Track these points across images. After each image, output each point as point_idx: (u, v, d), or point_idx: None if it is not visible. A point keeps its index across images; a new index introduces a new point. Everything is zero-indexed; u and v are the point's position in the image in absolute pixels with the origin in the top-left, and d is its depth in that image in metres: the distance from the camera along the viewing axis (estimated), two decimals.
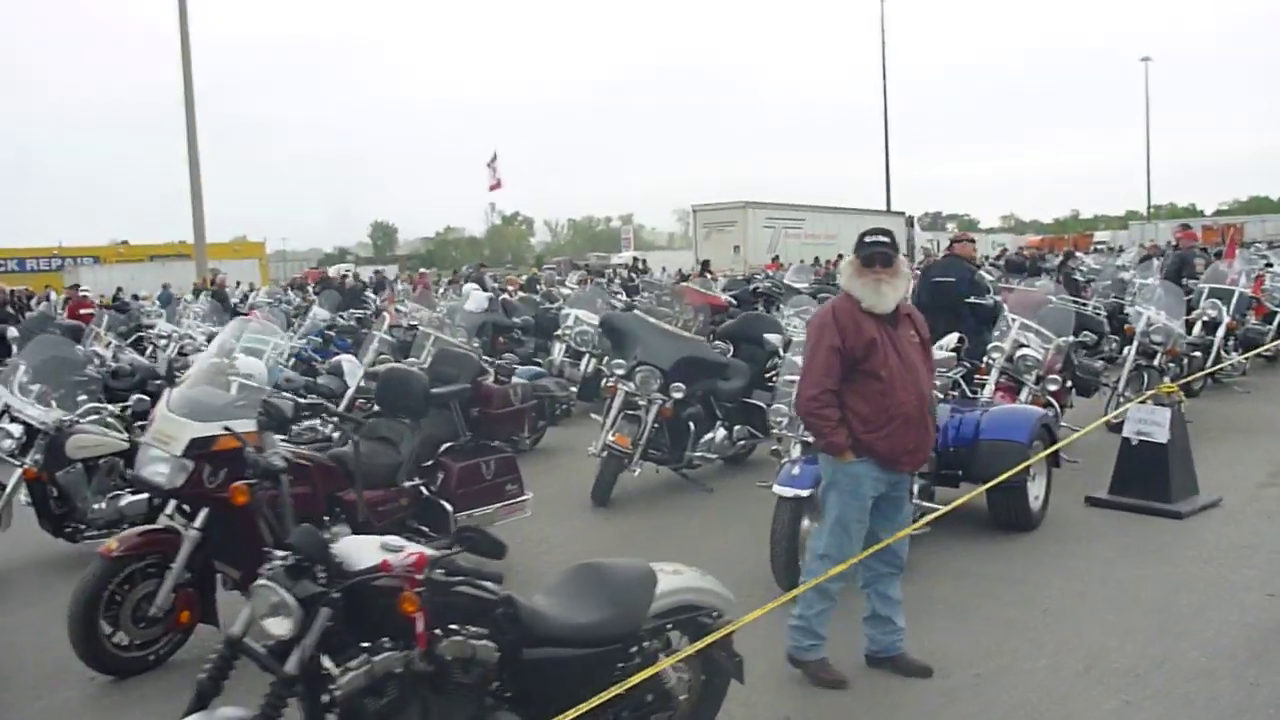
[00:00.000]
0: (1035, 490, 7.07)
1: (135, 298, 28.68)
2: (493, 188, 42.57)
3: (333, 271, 52.03)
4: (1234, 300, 12.29)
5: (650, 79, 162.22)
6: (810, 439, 5.40)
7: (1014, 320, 8.60)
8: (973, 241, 10.37)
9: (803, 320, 10.28)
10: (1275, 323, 14.05)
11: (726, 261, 38.79)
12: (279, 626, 2.88)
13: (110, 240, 55.90)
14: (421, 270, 34.65)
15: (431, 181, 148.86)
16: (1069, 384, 9.41)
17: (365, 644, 2.92)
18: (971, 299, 9.15)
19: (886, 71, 49.01)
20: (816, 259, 33.09)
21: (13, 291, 21.45)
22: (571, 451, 9.93)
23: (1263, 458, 8.98)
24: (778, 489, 5.80)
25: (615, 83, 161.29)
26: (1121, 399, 10.24)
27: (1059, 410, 8.75)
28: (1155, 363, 10.30)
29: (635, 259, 44.45)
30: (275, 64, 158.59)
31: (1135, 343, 10.42)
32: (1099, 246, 52.82)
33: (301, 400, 6.06)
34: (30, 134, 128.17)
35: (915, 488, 6.04)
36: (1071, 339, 8.93)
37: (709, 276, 22.27)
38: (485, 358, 8.20)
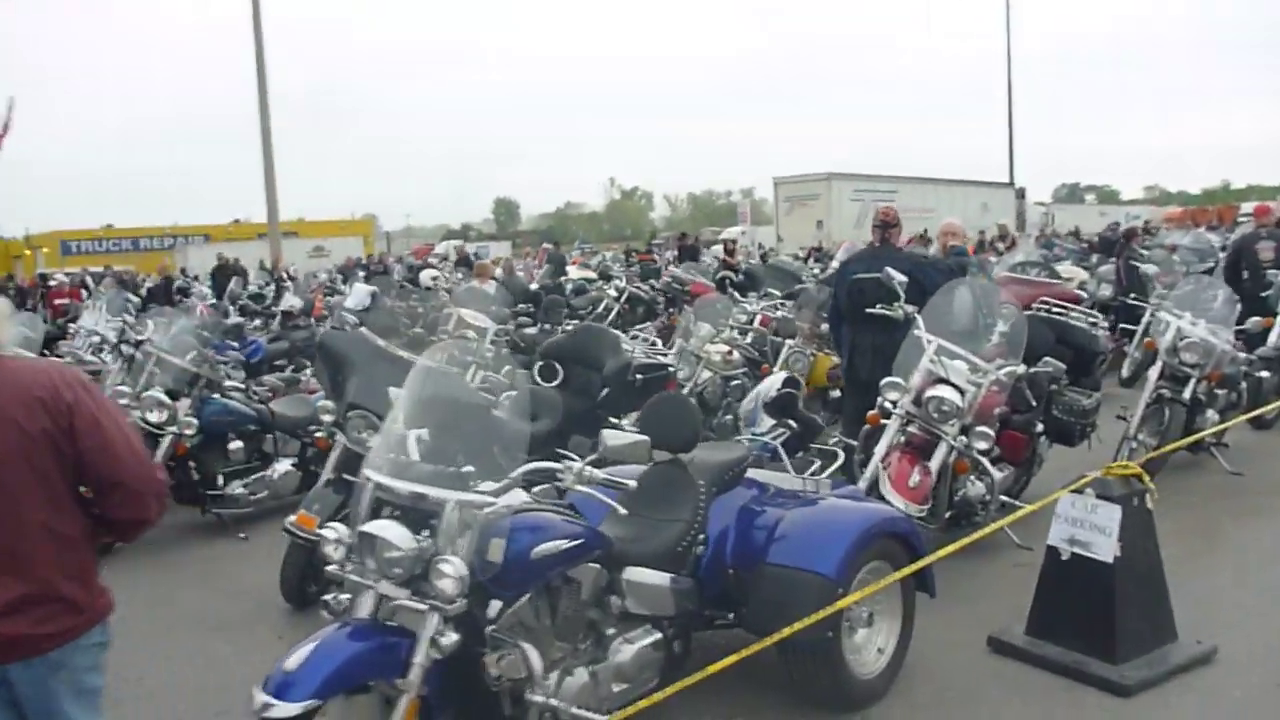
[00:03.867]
0: (876, 640, 4.30)
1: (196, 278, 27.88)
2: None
3: (440, 249, 51.38)
4: None
5: (780, 52, 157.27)
6: None
7: (928, 342, 5.73)
8: (906, 230, 7.30)
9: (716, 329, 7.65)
10: None
11: (809, 238, 35.63)
12: None
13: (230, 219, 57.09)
14: (545, 245, 32.61)
15: (554, 158, 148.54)
16: (1039, 429, 6.49)
17: None
18: (879, 307, 6.31)
19: (1011, 28, 44.47)
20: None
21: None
22: None
23: None
24: None
25: (743, 55, 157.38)
26: (1133, 446, 7.22)
27: (1000, 477, 5.88)
28: (1186, 393, 7.21)
29: (726, 241, 41.52)
30: (400, 44, 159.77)
31: (1158, 364, 7.36)
32: (1243, 219, 47.48)
33: None
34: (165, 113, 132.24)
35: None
36: (1019, 368, 5.95)
37: (722, 260, 19.05)
38: None
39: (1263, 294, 9.71)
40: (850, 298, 6.79)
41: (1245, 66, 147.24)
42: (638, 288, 15.35)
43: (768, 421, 4.77)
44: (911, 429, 5.72)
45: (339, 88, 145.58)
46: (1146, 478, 4.43)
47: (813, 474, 4.68)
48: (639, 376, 6.62)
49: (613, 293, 15.24)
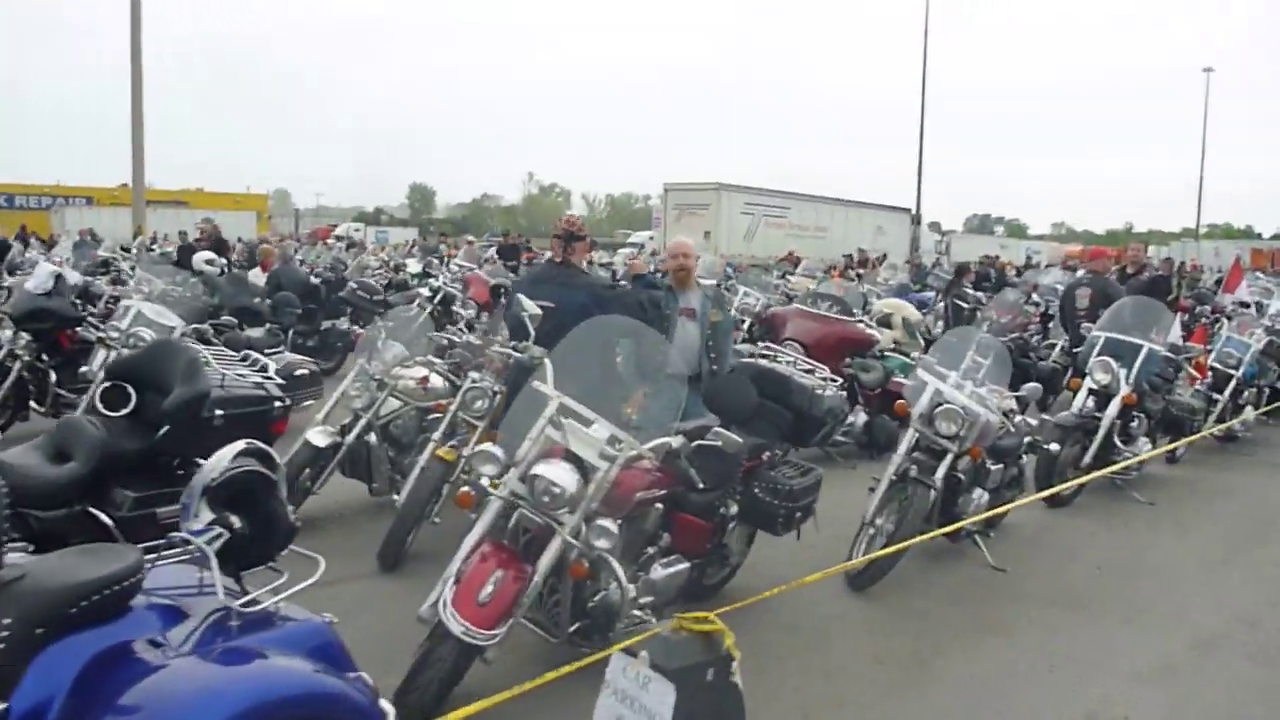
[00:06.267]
0: None
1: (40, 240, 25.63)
2: None
3: (341, 230, 49.29)
4: (1139, 360, 7.74)
5: (708, 62, 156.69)
6: None
7: (551, 399, 4.23)
8: (580, 239, 5.59)
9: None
10: (1225, 393, 9.46)
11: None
12: None
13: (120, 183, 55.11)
14: (469, 238, 30.74)
15: (471, 147, 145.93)
16: (731, 513, 5.05)
17: None
18: (509, 345, 4.83)
19: (927, 57, 43.77)
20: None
21: None
22: None
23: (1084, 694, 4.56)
24: None
25: (681, 63, 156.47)
26: (871, 534, 5.86)
27: (665, 576, 4.44)
28: (938, 471, 5.84)
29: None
30: (327, 19, 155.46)
31: (910, 433, 5.99)
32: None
33: None
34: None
35: None
36: (672, 440, 4.47)
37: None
38: None
39: (1074, 349, 8.51)
40: (515, 329, 5.29)
41: (1159, 113, 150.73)
42: (451, 286, 13.65)
43: (207, 514, 3.20)
44: (524, 513, 4.22)
45: (259, 56, 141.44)
46: (729, 638, 2.97)
47: None
48: (218, 413, 5.04)
49: (425, 292, 13.53)
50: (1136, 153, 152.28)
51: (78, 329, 8.95)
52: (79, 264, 14.39)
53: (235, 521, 3.11)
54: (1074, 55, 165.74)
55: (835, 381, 5.86)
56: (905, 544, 5.40)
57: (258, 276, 13.29)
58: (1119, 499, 7.97)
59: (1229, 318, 11.38)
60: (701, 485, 4.64)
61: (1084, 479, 7.26)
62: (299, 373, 9.02)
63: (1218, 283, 19.56)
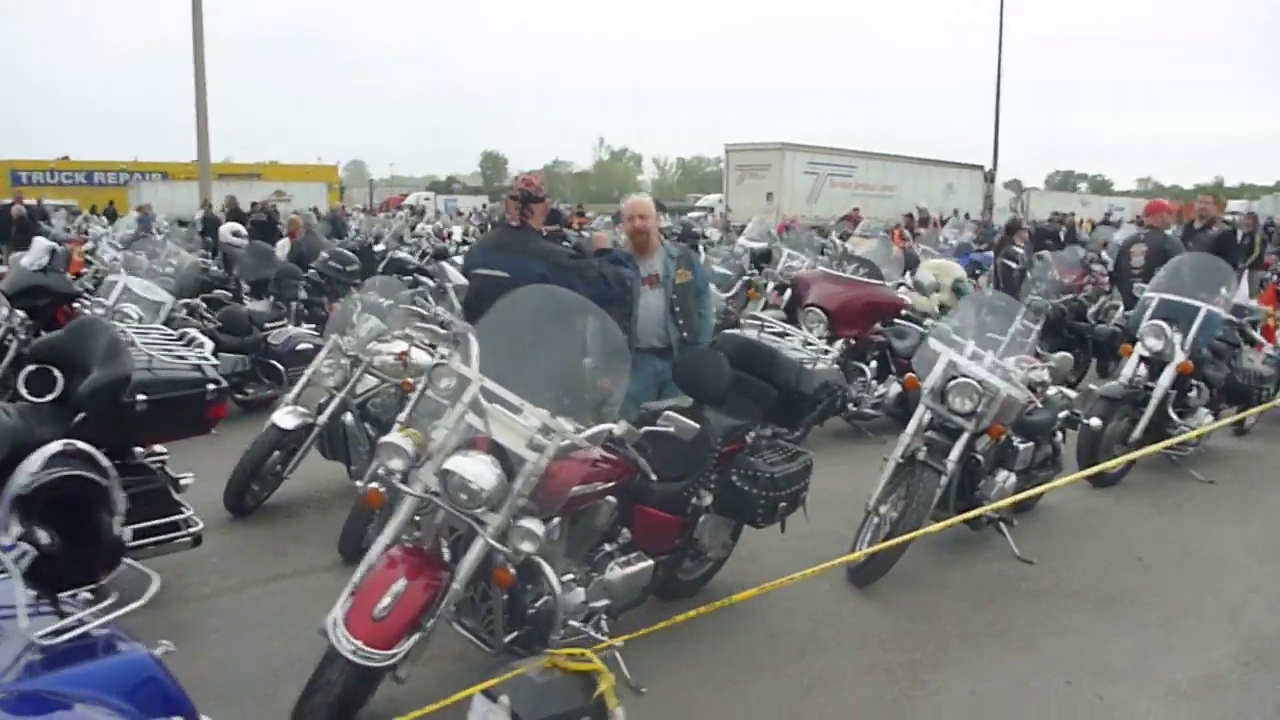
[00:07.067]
0: None
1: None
2: None
3: (410, 199, 49.56)
4: (1196, 323, 6.94)
5: (784, 19, 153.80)
6: None
7: (473, 383, 3.71)
8: (536, 200, 4.89)
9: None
10: None
11: (759, 210, 33.46)
12: None
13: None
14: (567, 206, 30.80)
15: (545, 114, 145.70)
16: (705, 504, 4.50)
17: None
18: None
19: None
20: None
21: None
22: None
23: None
24: None
25: (746, 20, 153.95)
26: (876, 522, 5.26)
27: (620, 576, 3.91)
28: (952, 454, 5.20)
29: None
30: None
31: (920, 410, 5.35)
32: (1230, 218, 45.25)
33: None
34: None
35: None
36: (615, 427, 3.90)
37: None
38: None
39: (1128, 312, 7.72)
40: (469, 303, 4.78)
41: (1257, 62, 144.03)
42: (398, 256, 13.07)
43: (16, 528, 2.75)
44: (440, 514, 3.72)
45: (334, 33, 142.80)
46: (606, 682, 2.42)
47: None
48: (141, 397, 4.61)
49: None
50: (1231, 105, 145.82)
51: (75, 304, 8.66)
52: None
53: (44, 537, 2.65)
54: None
55: (829, 353, 5.21)
56: (907, 537, 4.77)
57: (284, 248, 12.99)
58: (1175, 477, 7.21)
59: None
60: (656, 476, 4.07)
61: (1130, 455, 6.53)
62: (300, 347, 8.67)
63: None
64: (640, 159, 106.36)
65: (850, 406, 8.11)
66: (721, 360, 4.63)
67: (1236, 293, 7.87)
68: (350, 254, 8.55)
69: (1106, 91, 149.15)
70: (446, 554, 3.75)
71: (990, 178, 42.74)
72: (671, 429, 3.98)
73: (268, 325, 8.93)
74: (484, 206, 42.43)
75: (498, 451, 3.67)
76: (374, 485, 3.78)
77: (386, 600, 3.40)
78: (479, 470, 3.57)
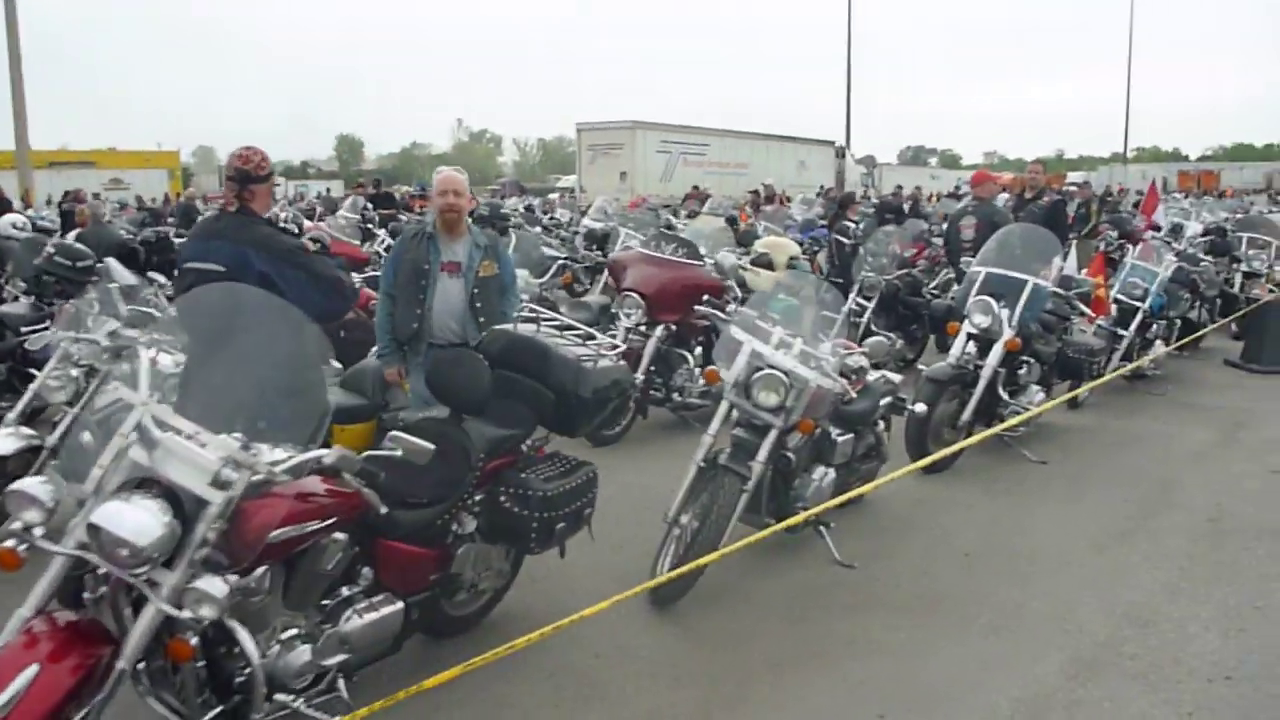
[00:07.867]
0: None
1: None
2: None
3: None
4: (1023, 298, 6.60)
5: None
6: None
7: (138, 407, 2.95)
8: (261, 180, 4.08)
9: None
10: (1131, 328, 8.39)
11: (613, 189, 32.84)
12: None
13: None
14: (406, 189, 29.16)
15: (400, 96, 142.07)
16: (466, 533, 3.82)
17: None
18: None
19: None
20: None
21: None
22: None
23: None
24: None
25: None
26: (676, 534, 4.68)
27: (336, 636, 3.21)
28: (760, 454, 4.64)
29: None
30: None
31: (723, 407, 4.78)
32: (1068, 189, 46.77)
33: None
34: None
35: None
36: (303, 456, 3.22)
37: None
38: None
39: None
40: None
41: (1092, 38, 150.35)
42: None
43: None
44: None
45: (185, 11, 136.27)
46: None
47: None
48: None
49: None
50: (1068, 79, 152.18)
51: None
52: None
53: None
54: None
55: (615, 350, 4.59)
56: (708, 559, 4.19)
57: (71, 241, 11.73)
58: (1007, 459, 6.88)
59: (1134, 244, 10.32)
60: (386, 508, 3.37)
61: (960, 445, 6.14)
62: None
63: (1136, 205, 18.67)
64: (500, 140, 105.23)
65: (675, 396, 7.57)
66: (479, 363, 3.97)
67: (1065, 264, 7.60)
68: (82, 248, 7.56)
69: (956, 67, 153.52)
70: (125, 622, 3.00)
71: (841, 154, 43.13)
72: (399, 452, 3.30)
73: (24, 329, 7.85)
74: (327, 190, 40.52)
75: (170, 494, 2.93)
76: (9, 544, 2.99)
77: (8, 694, 2.64)
78: (139, 520, 2.83)
